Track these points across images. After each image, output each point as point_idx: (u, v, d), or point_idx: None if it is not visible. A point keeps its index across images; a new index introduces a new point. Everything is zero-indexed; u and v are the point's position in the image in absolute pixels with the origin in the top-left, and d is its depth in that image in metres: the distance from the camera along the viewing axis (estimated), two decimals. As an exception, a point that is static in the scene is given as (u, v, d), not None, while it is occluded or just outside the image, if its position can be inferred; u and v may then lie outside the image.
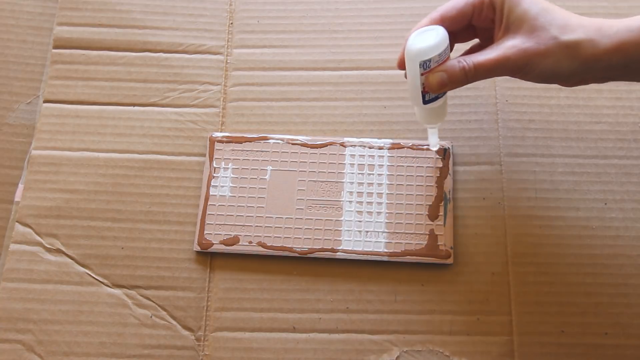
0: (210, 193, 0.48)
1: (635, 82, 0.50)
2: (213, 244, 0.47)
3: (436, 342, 0.44)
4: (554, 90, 0.50)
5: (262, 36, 0.53)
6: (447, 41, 0.38)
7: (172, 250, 0.47)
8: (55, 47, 0.53)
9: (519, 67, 0.37)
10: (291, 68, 0.52)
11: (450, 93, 0.50)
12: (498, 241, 0.47)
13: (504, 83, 0.51)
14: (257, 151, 0.49)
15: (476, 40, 0.44)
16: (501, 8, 0.38)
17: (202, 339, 0.45)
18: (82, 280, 0.46)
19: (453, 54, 0.40)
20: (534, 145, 0.49)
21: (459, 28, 0.40)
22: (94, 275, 0.46)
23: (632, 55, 0.36)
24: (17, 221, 0.48)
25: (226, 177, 0.48)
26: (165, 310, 0.46)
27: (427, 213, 0.47)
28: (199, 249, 0.47)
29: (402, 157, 0.48)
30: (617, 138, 0.49)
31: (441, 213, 0.47)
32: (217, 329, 0.45)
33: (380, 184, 0.48)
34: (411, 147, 0.49)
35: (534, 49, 0.37)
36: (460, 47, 0.44)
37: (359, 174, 0.48)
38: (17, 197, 0.49)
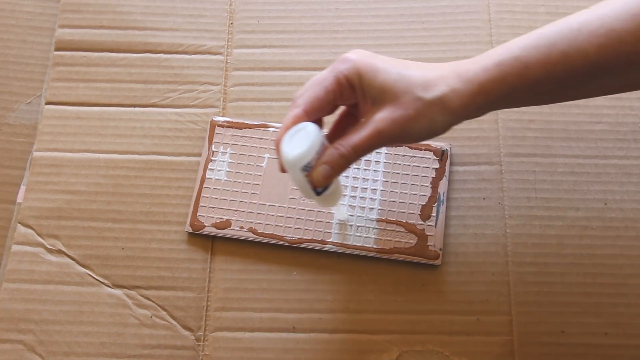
0: (207, 176, 0.48)
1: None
2: (205, 226, 0.47)
3: (436, 342, 0.45)
4: (554, 90, 0.50)
5: (262, 36, 0.53)
6: (320, 134, 0.37)
7: (172, 250, 0.47)
8: (57, 49, 0.53)
9: (394, 137, 0.36)
10: (291, 68, 0.52)
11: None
12: (498, 241, 0.47)
13: (504, 83, 0.51)
14: (256, 138, 0.49)
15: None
16: (360, 86, 0.37)
17: (202, 339, 0.45)
18: (82, 280, 0.46)
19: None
20: (534, 145, 0.49)
21: (325, 112, 0.39)
22: (94, 276, 0.46)
23: (495, 94, 0.35)
24: (19, 222, 0.48)
25: (223, 161, 0.49)
26: (165, 310, 0.46)
27: (419, 213, 0.47)
28: (190, 229, 0.47)
29: (399, 155, 0.49)
30: (617, 138, 0.49)
31: (434, 214, 0.47)
32: (217, 329, 0.45)
33: (375, 180, 0.48)
34: (409, 146, 0.49)
35: (404, 116, 0.35)
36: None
37: (354, 168, 0.48)
38: (19, 198, 0.49)
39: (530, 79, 0.35)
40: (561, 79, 0.35)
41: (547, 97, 0.38)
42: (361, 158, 0.38)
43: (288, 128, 0.37)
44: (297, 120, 0.37)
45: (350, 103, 0.39)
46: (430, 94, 0.35)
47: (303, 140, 0.36)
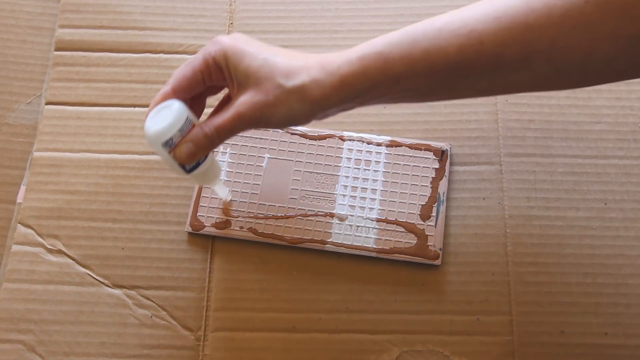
0: None
1: (633, 81, 0.50)
2: (205, 226, 0.47)
3: (436, 342, 0.45)
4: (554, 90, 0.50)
5: (262, 36, 0.53)
6: (185, 112, 0.37)
7: (172, 250, 0.47)
8: (57, 49, 0.53)
9: (254, 121, 0.37)
10: (291, 68, 0.52)
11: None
12: (498, 241, 0.47)
13: (504, 83, 0.51)
14: (256, 138, 0.49)
15: None
16: (227, 68, 0.37)
17: (202, 339, 0.45)
18: (83, 280, 0.46)
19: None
20: (534, 145, 0.49)
21: (198, 92, 0.40)
22: (94, 276, 0.46)
23: (357, 87, 0.36)
24: (19, 222, 0.48)
25: (224, 161, 0.49)
26: (165, 310, 0.46)
27: (419, 213, 0.47)
28: (190, 229, 0.47)
29: (399, 155, 0.49)
30: (617, 138, 0.49)
31: (433, 214, 0.47)
32: (217, 329, 0.45)
33: (375, 180, 0.48)
34: (409, 146, 0.49)
35: (263, 102, 0.36)
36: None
37: (355, 168, 0.48)
38: (19, 198, 0.49)
39: (392, 75, 0.35)
40: (424, 76, 0.35)
41: (415, 95, 0.38)
42: (225, 140, 0.38)
43: (156, 104, 0.38)
44: (165, 98, 0.38)
45: (222, 85, 0.40)
46: (291, 82, 0.36)
47: (166, 117, 0.37)
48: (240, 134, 0.49)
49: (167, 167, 0.39)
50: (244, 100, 0.37)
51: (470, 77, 0.35)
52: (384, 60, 0.35)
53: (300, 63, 0.36)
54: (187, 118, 0.37)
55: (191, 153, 0.38)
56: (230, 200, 0.47)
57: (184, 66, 0.38)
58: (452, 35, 0.34)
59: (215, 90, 0.41)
